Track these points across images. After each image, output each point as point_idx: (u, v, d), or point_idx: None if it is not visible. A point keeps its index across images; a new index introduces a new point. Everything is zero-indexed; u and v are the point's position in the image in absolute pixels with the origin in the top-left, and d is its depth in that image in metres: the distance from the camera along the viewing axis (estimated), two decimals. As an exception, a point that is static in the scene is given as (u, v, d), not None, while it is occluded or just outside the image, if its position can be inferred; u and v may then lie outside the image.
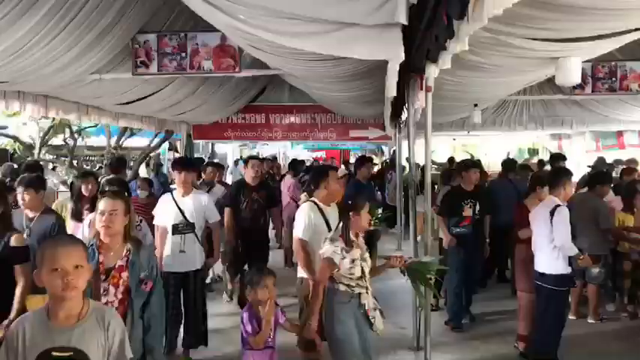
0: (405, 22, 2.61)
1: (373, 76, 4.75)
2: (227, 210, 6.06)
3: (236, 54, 5.62)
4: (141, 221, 4.78)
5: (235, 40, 5.02)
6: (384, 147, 19.69)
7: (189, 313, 4.92)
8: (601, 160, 10.15)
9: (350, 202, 3.76)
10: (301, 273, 4.27)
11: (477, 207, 5.85)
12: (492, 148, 20.47)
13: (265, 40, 3.50)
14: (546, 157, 11.78)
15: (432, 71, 3.81)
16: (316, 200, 4.33)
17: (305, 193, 6.45)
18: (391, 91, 4.14)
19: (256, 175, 6.10)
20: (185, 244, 4.80)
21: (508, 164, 7.92)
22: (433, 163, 10.96)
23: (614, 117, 10.87)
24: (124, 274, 2.98)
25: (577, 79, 3.85)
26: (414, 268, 3.82)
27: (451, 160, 12.47)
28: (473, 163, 6.33)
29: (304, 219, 4.23)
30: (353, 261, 3.55)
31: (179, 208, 4.85)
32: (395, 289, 6.59)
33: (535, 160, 12.27)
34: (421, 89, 4.41)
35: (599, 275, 5.70)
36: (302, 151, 23.33)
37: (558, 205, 4.56)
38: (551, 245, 4.55)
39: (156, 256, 3.26)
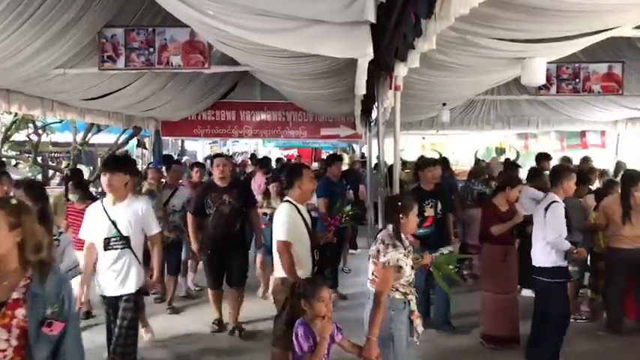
0: (373, 21, 2.63)
1: (343, 74, 4.77)
2: (189, 217, 5.63)
3: (205, 50, 5.57)
4: (60, 234, 4.35)
5: (205, 36, 4.98)
6: (355, 145, 19.78)
7: (113, 346, 4.11)
8: (565, 159, 10.35)
9: (399, 203, 3.57)
10: (280, 273, 4.10)
11: (439, 206, 5.86)
12: (461, 147, 20.78)
13: (235, 36, 3.48)
14: (512, 157, 11.99)
15: (400, 70, 3.85)
16: (291, 200, 4.19)
17: (273, 185, 6.44)
18: (361, 89, 4.16)
19: (223, 175, 5.44)
20: (118, 262, 4.06)
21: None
22: (402, 161, 11.10)
23: (578, 117, 11.16)
24: (20, 312, 2.11)
25: (542, 80, 3.93)
26: (440, 261, 3.88)
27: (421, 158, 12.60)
28: (429, 162, 6.14)
29: (286, 220, 4.05)
30: (412, 267, 3.49)
31: (110, 219, 4.04)
32: (363, 287, 6.63)
33: (502, 159, 12.47)
34: (390, 88, 4.45)
35: (573, 274, 5.83)
36: (274, 149, 23.25)
37: (554, 202, 4.62)
38: (544, 240, 4.62)
39: (70, 285, 2.34)
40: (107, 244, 4.05)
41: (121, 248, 4.06)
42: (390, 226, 3.52)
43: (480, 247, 5.55)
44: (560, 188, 4.72)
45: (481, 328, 5.36)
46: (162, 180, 6.53)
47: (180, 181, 6.93)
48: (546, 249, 4.63)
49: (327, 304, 3.11)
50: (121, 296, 4.08)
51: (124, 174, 4.05)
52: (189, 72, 6.58)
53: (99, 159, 12.71)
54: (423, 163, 6.17)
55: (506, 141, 18.38)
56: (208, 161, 11.83)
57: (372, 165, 9.87)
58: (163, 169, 6.86)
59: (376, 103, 6.04)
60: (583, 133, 13.31)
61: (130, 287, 4.09)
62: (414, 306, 3.57)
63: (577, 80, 7.20)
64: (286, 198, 4.24)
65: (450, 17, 2.27)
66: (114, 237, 4.04)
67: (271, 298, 5.79)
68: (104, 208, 4.08)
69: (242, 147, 23.27)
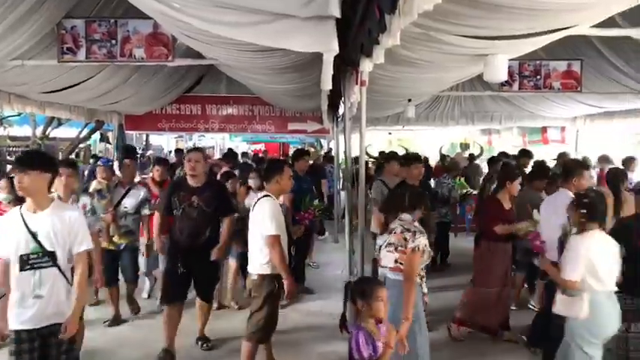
0: (338, 15, 2.64)
1: (309, 68, 4.76)
2: (156, 216, 5.05)
3: (169, 42, 5.49)
4: None
5: (168, 28, 4.90)
6: (322, 140, 19.82)
7: None
8: (523, 153, 10.52)
9: (418, 196, 3.95)
10: (257, 269, 4.12)
11: None
12: (426, 143, 21.06)
13: (199, 29, 3.44)
14: (476, 152, 12.23)
15: (366, 65, 3.87)
16: (270, 194, 4.22)
17: (252, 176, 6.35)
18: (327, 84, 4.16)
19: (194, 173, 4.68)
20: (41, 285, 3.17)
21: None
22: (370, 157, 11.19)
23: (539, 113, 11.45)
24: None
25: (503, 77, 3.99)
26: None
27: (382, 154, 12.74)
28: (415, 157, 6.24)
29: (273, 214, 4.06)
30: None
31: (29, 230, 3.18)
32: (329, 282, 6.69)
33: (466, 154, 12.71)
34: (356, 83, 4.47)
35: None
36: (241, 144, 23.10)
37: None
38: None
39: None
40: (24, 262, 3.16)
41: (45, 267, 3.19)
42: (408, 216, 3.78)
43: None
44: (572, 184, 4.73)
45: (457, 314, 5.36)
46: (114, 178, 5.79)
47: (138, 179, 6.23)
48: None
49: (385, 304, 2.99)
50: (48, 328, 3.19)
51: (43, 172, 3.18)
52: (152, 65, 6.46)
53: (60, 154, 12.37)
54: (411, 158, 6.21)
55: (471, 136, 18.73)
56: (173, 155, 11.57)
57: (340, 160, 9.92)
58: (116, 165, 6.56)
59: (343, 99, 6.07)
60: (544, 129, 13.67)
61: (62, 314, 3.21)
62: (425, 288, 3.87)
63: (538, 77, 7.38)
64: (265, 192, 4.25)
65: (413, 13, 2.29)
66: (34, 253, 3.17)
67: (234, 305, 5.83)
68: (22, 217, 3.21)
69: (209, 141, 23.02)
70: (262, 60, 4.45)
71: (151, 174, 7.03)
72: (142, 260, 5.97)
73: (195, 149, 5.19)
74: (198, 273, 4.78)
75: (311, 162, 9.44)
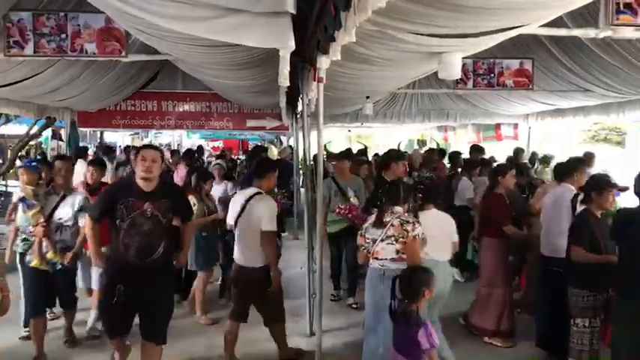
0: (293, 11, 2.62)
1: (267, 64, 4.72)
2: (87, 222, 4.04)
3: (123, 37, 5.35)
4: None
5: (121, 23, 4.77)
6: (282, 137, 19.76)
7: None
8: (475, 148, 10.78)
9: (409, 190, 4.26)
10: (254, 263, 4.42)
11: None
12: (385, 139, 21.31)
13: (151, 23, 3.36)
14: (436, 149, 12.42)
15: (323, 62, 3.87)
16: (262, 190, 4.54)
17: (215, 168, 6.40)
18: (284, 80, 4.14)
19: (149, 176, 3.79)
20: None
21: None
22: (330, 154, 11.22)
23: (493, 111, 11.73)
24: None
25: (457, 74, 4.05)
26: None
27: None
28: (399, 156, 6.44)
29: (273, 211, 4.44)
30: None
31: None
32: (290, 278, 6.67)
33: (423, 150, 12.90)
34: (314, 80, 4.46)
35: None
36: (199, 141, 22.78)
37: (578, 194, 4.69)
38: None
39: None
40: None
41: None
42: (400, 208, 4.03)
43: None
44: (574, 179, 4.88)
45: (470, 319, 5.45)
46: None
47: (75, 184, 5.32)
48: (554, 239, 4.73)
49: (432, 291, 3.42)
50: None
51: None
52: (105, 60, 6.28)
53: (9, 151, 11.91)
54: (394, 156, 6.31)
55: (427, 133, 19.05)
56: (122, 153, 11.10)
57: (300, 157, 9.91)
58: (79, 167, 6.33)
59: (301, 95, 6.05)
60: (498, 126, 14.00)
61: None
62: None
63: (492, 75, 7.54)
64: (256, 189, 4.54)
65: (367, 10, 2.30)
66: None
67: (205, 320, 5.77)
68: None
69: (166, 138, 22.58)
70: (218, 56, 4.39)
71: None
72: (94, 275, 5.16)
73: (151, 146, 4.26)
74: (147, 302, 3.81)
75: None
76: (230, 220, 4.66)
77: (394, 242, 3.92)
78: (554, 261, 4.76)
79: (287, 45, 2.90)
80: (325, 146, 14.13)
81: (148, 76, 9.88)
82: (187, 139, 21.28)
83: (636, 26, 4.07)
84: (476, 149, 9.53)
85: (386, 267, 3.95)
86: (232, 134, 18.28)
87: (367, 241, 4.06)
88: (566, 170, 5.11)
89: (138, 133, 20.04)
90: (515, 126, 13.55)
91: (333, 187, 6.24)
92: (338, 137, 23.01)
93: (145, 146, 4.27)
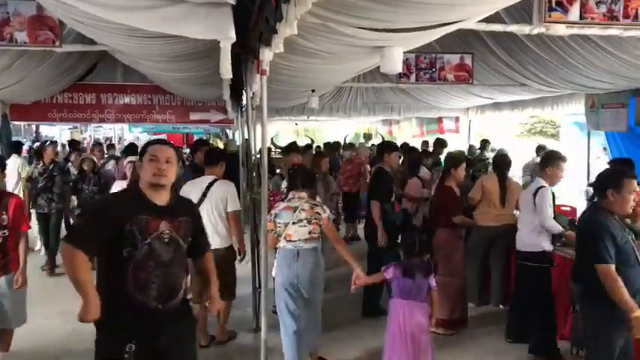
0: (233, 2, 2.58)
1: (209, 56, 4.64)
2: (71, 254, 2.56)
3: (56, 26, 5.12)
4: None
5: (53, 11, 4.56)
6: (228, 130, 19.51)
7: None
8: (425, 143, 11.12)
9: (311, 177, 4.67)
10: (222, 244, 4.85)
11: None
12: (332, 133, 21.42)
13: (86, 12, 3.22)
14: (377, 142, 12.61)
15: (266, 55, 3.83)
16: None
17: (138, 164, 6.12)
18: (227, 73, 4.06)
19: (162, 182, 2.77)
20: None
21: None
22: (277, 147, 11.18)
23: (435, 104, 12.02)
24: None
25: (399, 68, 4.09)
26: None
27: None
28: (393, 146, 6.50)
29: (235, 191, 5.05)
30: None
31: None
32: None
33: (369, 144, 13.08)
34: (257, 72, 4.42)
35: None
36: (141, 135, 22.19)
37: (542, 187, 4.81)
38: (531, 224, 4.79)
39: None
40: None
41: None
42: (305, 193, 4.41)
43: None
44: (547, 173, 4.91)
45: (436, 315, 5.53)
46: None
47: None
48: (533, 234, 4.80)
49: None
50: None
51: None
52: (39, 50, 5.99)
53: None
54: (389, 147, 6.38)
55: (373, 127, 19.31)
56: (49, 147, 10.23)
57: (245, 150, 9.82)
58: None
59: (245, 88, 5.98)
60: (440, 120, 14.37)
61: None
62: None
63: (433, 69, 7.69)
64: (213, 176, 5.02)
65: (307, 2, 2.30)
66: None
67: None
68: None
69: (106, 132, 21.88)
70: (157, 47, 4.28)
71: None
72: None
73: (163, 142, 3.06)
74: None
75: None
76: None
77: (307, 224, 4.29)
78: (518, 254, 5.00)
79: (227, 36, 2.86)
80: (272, 139, 14.08)
81: (86, 68, 9.49)
82: (129, 133, 20.70)
83: (567, 23, 4.24)
84: (439, 143, 9.79)
85: (299, 247, 4.30)
86: (176, 128, 17.88)
87: (279, 225, 4.33)
88: (541, 165, 5.16)
89: (77, 127, 19.33)
90: (457, 119, 13.94)
91: (279, 182, 6.19)
92: (285, 130, 22.94)
93: (156, 141, 3.05)
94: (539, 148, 10.79)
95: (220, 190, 4.90)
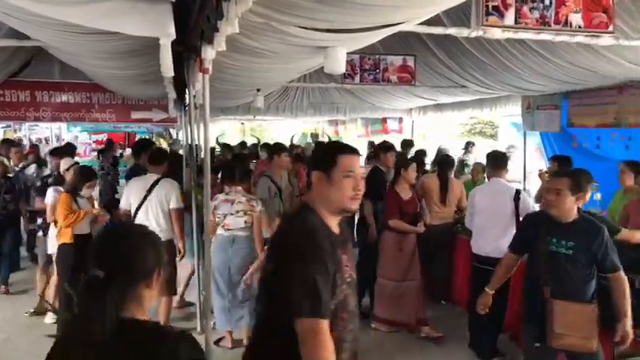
0: (172, -1, 2.54)
1: (150, 54, 4.51)
2: (320, 326, 1.89)
3: (-15, 20, 4.84)
4: None
5: (-20, 3, 4.31)
6: (172, 130, 19.11)
7: None
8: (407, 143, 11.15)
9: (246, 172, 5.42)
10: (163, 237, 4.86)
11: None
12: (279, 133, 21.38)
13: (18, 6, 3.08)
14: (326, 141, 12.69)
15: (208, 53, 3.77)
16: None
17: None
18: (168, 71, 3.98)
19: (356, 207, 2.19)
20: None
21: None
22: (225, 146, 11.03)
23: (380, 105, 12.20)
24: None
25: (342, 69, 4.13)
26: None
27: (243, 144, 12.73)
28: (390, 146, 6.63)
29: (178, 190, 5.45)
30: None
31: None
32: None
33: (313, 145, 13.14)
34: (200, 71, 4.35)
35: None
36: (81, 134, 21.40)
37: (520, 191, 4.86)
38: (505, 229, 4.57)
39: None
40: None
41: None
42: (241, 187, 5.09)
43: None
44: (503, 173, 4.97)
45: (374, 311, 5.55)
46: None
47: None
48: (504, 240, 4.27)
49: None
50: None
51: None
52: (-34, 45, 5.67)
53: None
54: (388, 146, 6.55)
55: (320, 127, 19.39)
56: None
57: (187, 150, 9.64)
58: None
59: (188, 86, 5.88)
60: (384, 120, 14.60)
61: None
62: None
63: (377, 71, 7.80)
64: (157, 175, 5.34)
65: (247, 1, 2.28)
66: None
67: None
68: None
69: (43, 132, 20.95)
70: (95, 44, 4.12)
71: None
72: None
73: (355, 150, 2.22)
74: None
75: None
76: (126, 205, 5.31)
77: (243, 215, 4.93)
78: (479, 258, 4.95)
79: (167, 33, 2.80)
80: (217, 139, 13.91)
81: (20, 64, 9.05)
82: (67, 133, 19.90)
83: (503, 27, 4.40)
84: (406, 144, 9.93)
85: (235, 235, 4.94)
86: (117, 127, 17.35)
87: (218, 216, 4.97)
88: (495, 165, 5.09)
89: (10, 126, 18.43)
90: (400, 120, 14.21)
91: (271, 186, 6.08)
92: (231, 130, 22.70)
93: (346, 148, 2.20)
94: (468, 144, 11.17)
95: (165, 188, 5.26)
